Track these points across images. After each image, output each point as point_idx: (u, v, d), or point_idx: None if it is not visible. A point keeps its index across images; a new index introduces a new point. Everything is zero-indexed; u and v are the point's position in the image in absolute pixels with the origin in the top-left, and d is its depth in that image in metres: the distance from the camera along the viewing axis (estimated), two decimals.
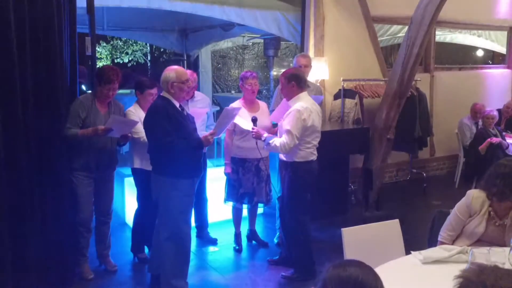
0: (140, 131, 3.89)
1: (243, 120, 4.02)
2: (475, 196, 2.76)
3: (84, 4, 4.16)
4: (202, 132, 3.98)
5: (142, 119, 3.93)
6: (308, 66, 4.56)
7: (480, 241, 2.71)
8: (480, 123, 6.45)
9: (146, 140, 3.79)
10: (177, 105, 3.40)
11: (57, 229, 3.56)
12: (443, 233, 2.81)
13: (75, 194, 3.70)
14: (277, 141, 3.68)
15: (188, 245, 3.54)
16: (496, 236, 2.67)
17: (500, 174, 2.68)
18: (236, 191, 4.29)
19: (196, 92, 4.46)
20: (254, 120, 3.87)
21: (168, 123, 3.26)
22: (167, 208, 3.40)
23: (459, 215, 2.77)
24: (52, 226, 3.53)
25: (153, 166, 3.48)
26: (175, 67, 3.49)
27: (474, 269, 1.35)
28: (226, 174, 4.33)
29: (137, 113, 3.97)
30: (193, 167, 3.45)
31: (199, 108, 4.31)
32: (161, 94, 3.46)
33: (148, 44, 11.47)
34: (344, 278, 1.34)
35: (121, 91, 9.08)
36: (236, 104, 4.27)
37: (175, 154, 3.29)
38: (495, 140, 5.87)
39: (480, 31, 8.15)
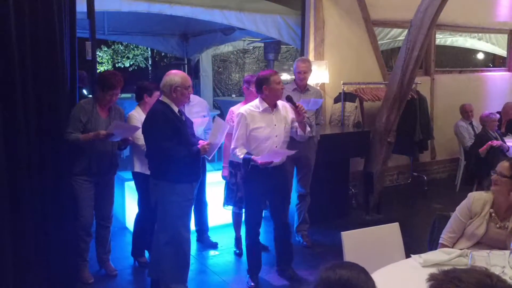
0: (141, 137, 3.89)
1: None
2: (476, 198, 2.79)
3: (85, 9, 4.18)
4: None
5: None
6: (307, 72, 4.52)
7: (481, 243, 2.71)
8: (475, 122, 6.47)
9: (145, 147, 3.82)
10: (176, 110, 3.38)
11: (57, 233, 3.57)
12: (444, 235, 2.83)
13: (75, 198, 3.70)
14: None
15: (187, 249, 3.52)
16: (496, 238, 2.67)
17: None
18: (234, 195, 4.28)
19: (192, 96, 4.40)
20: (290, 98, 3.63)
21: (168, 128, 3.25)
22: (166, 212, 3.39)
23: (460, 217, 2.79)
24: (52, 230, 3.53)
25: (151, 171, 3.47)
26: (179, 71, 3.47)
27: (439, 272, 1.35)
28: (223, 177, 4.33)
29: (139, 118, 3.97)
30: (191, 172, 3.43)
31: (196, 112, 4.30)
32: (159, 98, 3.44)
33: (149, 49, 11.51)
34: (334, 280, 1.33)
35: (121, 95, 9.11)
36: (236, 107, 4.27)
37: (173, 159, 3.28)
38: (495, 143, 5.86)
39: (480, 34, 8.16)
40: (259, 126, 3.62)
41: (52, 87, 3.50)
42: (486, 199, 2.76)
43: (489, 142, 5.87)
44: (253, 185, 3.72)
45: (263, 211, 4.25)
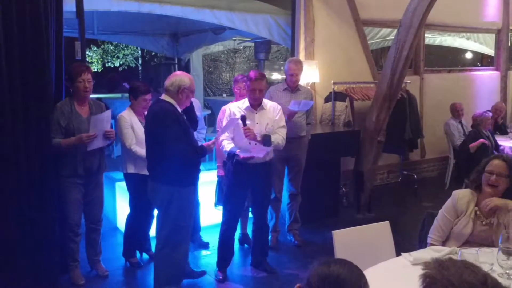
0: (129, 138, 3.88)
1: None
2: (460, 196, 2.79)
3: (74, 8, 4.14)
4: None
5: (135, 125, 3.92)
6: (299, 74, 4.53)
7: (469, 242, 2.72)
8: (464, 121, 6.54)
9: (135, 150, 3.83)
10: (180, 110, 3.35)
11: (45, 234, 3.53)
12: (432, 235, 2.82)
13: (63, 201, 3.65)
14: (278, 138, 3.79)
15: (185, 251, 3.53)
16: (484, 236, 2.68)
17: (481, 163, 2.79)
18: None
19: None
20: (244, 118, 3.66)
21: (178, 129, 3.20)
22: (170, 216, 3.33)
23: (447, 215, 2.79)
24: (41, 231, 3.49)
25: (154, 174, 3.37)
26: (189, 75, 3.45)
27: (434, 265, 1.35)
28: (218, 176, 4.33)
29: (129, 119, 3.93)
30: (194, 174, 3.44)
31: None
32: (161, 98, 3.36)
33: (139, 48, 11.45)
34: (326, 275, 1.35)
35: (111, 95, 9.07)
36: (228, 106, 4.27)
37: (180, 163, 3.21)
38: (487, 143, 5.94)
39: (468, 34, 8.24)
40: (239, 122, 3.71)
41: (38, 87, 3.44)
42: (470, 197, 2.77)
43: (481, 140, 5.93)
44: (234, 181, 3.80)
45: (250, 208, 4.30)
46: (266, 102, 3.89)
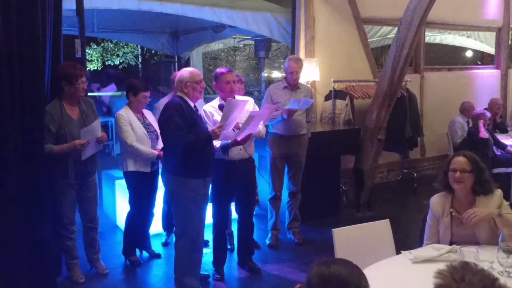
0: (130, 136, 3.88)
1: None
2: (434, 201, 2.79)
3: (74, 6, 4.14)
4: None
5: (133, 122, 3.94)
6: (299, 72, 4.53)
7: (457, 243, 2.70)
8: (470, 122, 6.54)
9: (137, 147, 3.85)
10: (192, 105, 3.42)
11: (41, 235, 3.49)
12: (426, 240, 2.82)
13: (57, 200, 3.62)
14: (259, 126, 3.82)
15: (200, 243, 3.56)
16: (466, 235, 2.64)
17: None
18: None
19: None
20: (222, 107, 3.64)
21: (181, 119, 3.27)
22: (179, 207, 3.45)
23: (430, 222, 2.80)
24: (36, 232, 3.46)
25: (166, 165, 3.51)
26: (190, 68, 3.56)
27: (446, 275, 1.32)
28: None
29: (127, 117, 3.94)
30: (204, 166, 3.45)
31: None
32: (176, 94, 3.51)
33: (139, 46, 11.45)
34: (327, 275, 1.35)
35: (113, 93, 9.07)
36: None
37: (187, 153, 3.28)
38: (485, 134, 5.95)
39: (469, 32, 8.23)
40: (216, 120, 3.69)
41: (34, 86, 3.38)
42: (444, 199, 2.74)
43: (481, 121, 5.93)
44: (220, 180, 3.80)
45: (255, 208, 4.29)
46: (237, 97, 3.85)
